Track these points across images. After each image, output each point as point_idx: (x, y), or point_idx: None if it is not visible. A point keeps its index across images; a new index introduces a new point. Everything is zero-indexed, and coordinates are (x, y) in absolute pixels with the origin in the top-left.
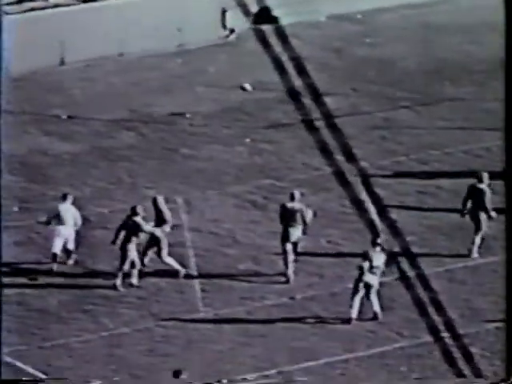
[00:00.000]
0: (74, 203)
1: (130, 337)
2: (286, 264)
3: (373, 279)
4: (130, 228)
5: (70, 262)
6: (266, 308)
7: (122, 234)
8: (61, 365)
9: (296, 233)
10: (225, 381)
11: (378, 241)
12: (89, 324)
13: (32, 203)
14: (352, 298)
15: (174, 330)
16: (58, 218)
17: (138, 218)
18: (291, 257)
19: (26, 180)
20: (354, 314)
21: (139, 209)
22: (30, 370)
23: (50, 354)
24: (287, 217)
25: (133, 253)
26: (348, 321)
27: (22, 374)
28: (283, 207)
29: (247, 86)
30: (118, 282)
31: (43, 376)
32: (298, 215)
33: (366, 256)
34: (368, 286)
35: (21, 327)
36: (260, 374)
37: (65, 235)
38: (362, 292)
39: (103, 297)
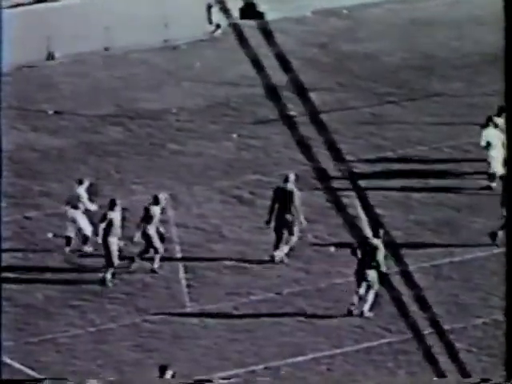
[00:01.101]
0: (89, 189)
1: (117, 332)
2: (275, 245)
3: (370, 272)
4: (108, 222)
5: (87, 248)
6: (252, 303)
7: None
8: (48, 360)
9: (287, 216)
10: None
11: (380, 233)
12: (76, 319)
13: (19, 198)
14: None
15: (160, 325)
16: (72, 202)
17: (111, 213)
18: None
19: (14, 175)
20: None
21: (117, 203)
22: (17, 366)
23: (37, 349)
24: (279, 198)
25: (114, 247)
26: (349, 312)
27: (9, 369)
28: (277, 188)
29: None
30: (108, 276)
31: (30, 371)
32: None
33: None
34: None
35: (8, 322)
36: (247, 369)
37: (77, 219)
38: (364, 285)
39: (90, 292)
